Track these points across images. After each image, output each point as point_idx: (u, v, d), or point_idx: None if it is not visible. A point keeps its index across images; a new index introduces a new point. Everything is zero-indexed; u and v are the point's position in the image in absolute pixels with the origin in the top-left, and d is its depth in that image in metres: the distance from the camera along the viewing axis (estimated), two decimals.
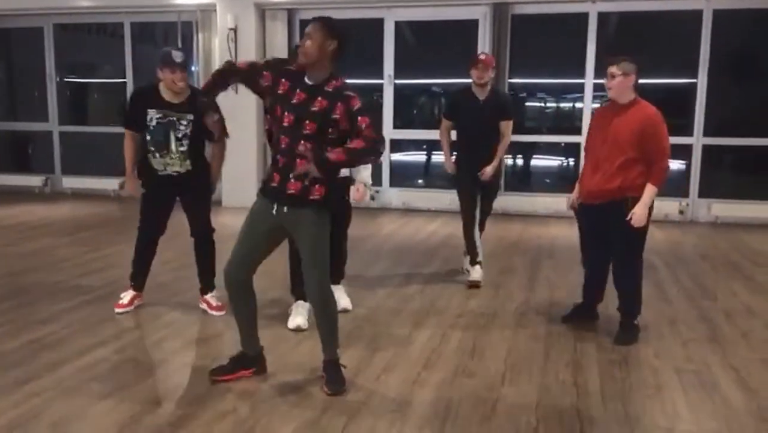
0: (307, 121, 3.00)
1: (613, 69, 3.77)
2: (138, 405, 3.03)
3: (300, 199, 3.05)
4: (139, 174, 4.22)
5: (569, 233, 6.30)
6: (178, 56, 3.95)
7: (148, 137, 4.04)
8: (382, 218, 8.11)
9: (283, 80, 3.09)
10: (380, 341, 3.91)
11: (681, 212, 8.06)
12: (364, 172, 4.26)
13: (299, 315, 4.10)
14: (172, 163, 4.08)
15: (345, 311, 4.31)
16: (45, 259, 5.83)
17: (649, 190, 3.75)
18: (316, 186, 3.05)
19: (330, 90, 3.03)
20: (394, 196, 8.92)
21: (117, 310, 4.31)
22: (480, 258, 5.07)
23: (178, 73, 3.93)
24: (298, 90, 3.05)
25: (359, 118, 2.99)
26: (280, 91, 3.09)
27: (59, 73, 10.08)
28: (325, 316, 3.21)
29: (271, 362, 3.49)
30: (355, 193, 4.26)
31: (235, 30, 8.57)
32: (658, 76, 8.32)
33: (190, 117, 4.00)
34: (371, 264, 5.69)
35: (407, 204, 8.72)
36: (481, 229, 5.21)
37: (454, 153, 5.24)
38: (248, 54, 8.58)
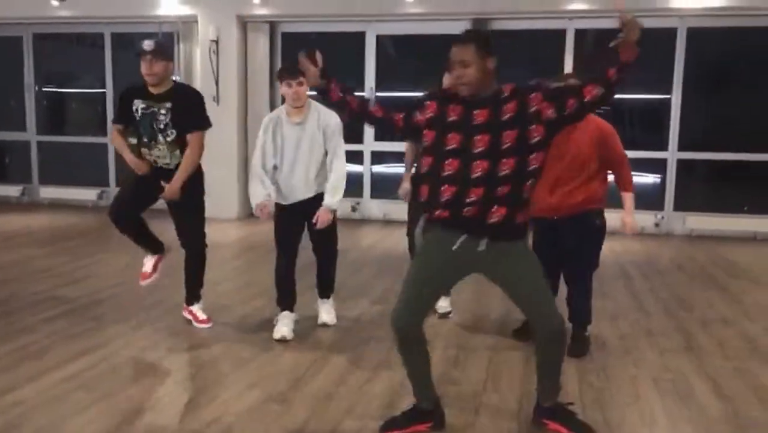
0: (506, 132, 2.61)
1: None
2: (120, 416, 3.02)
3: (505, 228, 2.67)
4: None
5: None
6: (148, 44, 3.89)
7: (139, 129, 4.00)
8: (363, 230, 8.15)
9: (452, 106, 2.70)
10: (364, 350, 3.94)
11: (656, 225, 8.21)
12: (332, 198, 4.07)
13: (285, 326, 4.11)
14: (161, 155, 4.02)
15: (325, 325, 4.33)
16: (23, 269, 5.78)
17: (628, 197, 3.89)
18: (521, 210, 2.69)
19: (508, 95, 2.67)
20: (374, 207, 8.97)
21: (142, 282, 4.31)
22: None
23: (148, 60, 3.87)
24: (476, 111, 2.65)
25: (564, 87, 2.68)
26: (452, 118, 2.68)
27: (38, 83, 10.01)
28: (561, 353, 2.85)
29: (253, 371, 3.50)
30: (321, 217, 4.04)
31: (216, 42, 8.59)
32: (633, 92, 8.51)
33: (168, 105, 3.94)
34: (353, 275, 5.72)
35: (388, 216, 8.77)
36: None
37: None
38: (230, 66, 8.62)
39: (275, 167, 4.09)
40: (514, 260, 2.75)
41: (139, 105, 3.98)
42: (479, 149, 2.62)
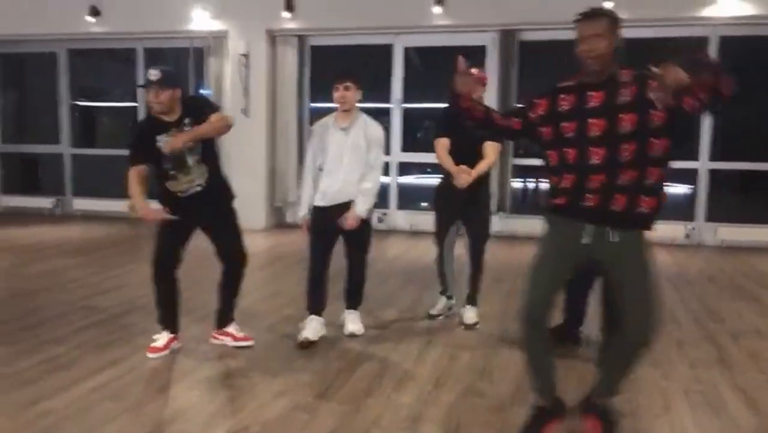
0: (623, 115, 2.56)
1: None
2: (149, 425, 3.06)
3: (627, 217, 2.62)
4: (161, 203, 3.98)
5: None
6: (154, 74, 3.71)
7: (166, 164, 3.85)
8: (389, 240, 8.16)
9: (562, 96, 2.72)
10: (390, 360, 3.93)
11: (687, 236, 8.08)
12: (362, 206, 4.16)
13: (310, 329, 4.19)
14: (193, 176, 3.88)
15: (352, 335, 4.35)
16: (56, 279, 5.89)
17: None
18: (646, 198, 2.61)
19: (627, 79, 2.61)
20: (401, 218, 8.98)
21: (150, 355, 3.92)
22: (449, 292, 4.81)
23: (152, 91, 3.73)
24: (591, 93, 2.64)
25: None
26: (564, 108, 2.70)
27: (71, 97, 10.23)
28: (639, 359, 2.81)
29: (280, 380, 3.52)
30: (349, 219, 4.13)
31: (246, 56, 8.72)
32: None
33: (187, 121, 3.82)
34: (380, 285, 5.72)
35: (414, 226, 8.77)
36: (474, 257, 4.62)
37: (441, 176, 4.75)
38: (259, 79, 8.73)
39: (320, 168, 4.26)
40: (635, 256, 2.68)
41: (164, 139, 3.80)
42: (595, 134, 2.60)
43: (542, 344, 2.84)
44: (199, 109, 3.91)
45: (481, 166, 4.46)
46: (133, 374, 3.69)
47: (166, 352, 3.98)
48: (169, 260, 3.99)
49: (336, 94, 4.16)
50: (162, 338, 4.03)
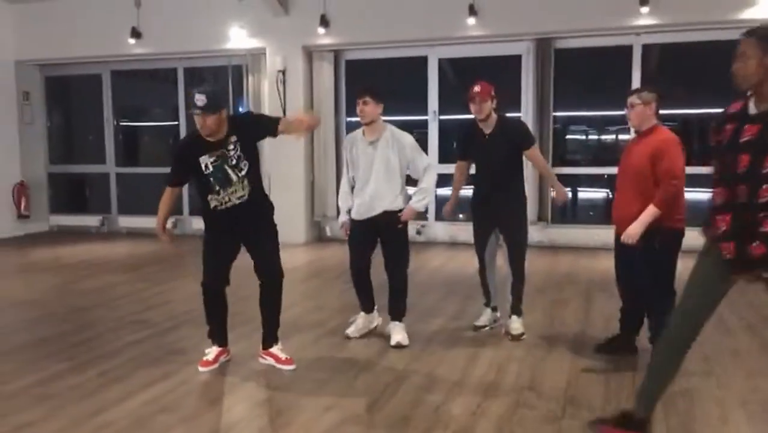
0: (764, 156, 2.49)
1: (632, 99, 3.90)
2: None
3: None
4: (204, 219, 4.06)
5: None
6: (200, 100, 3.69)
7: (210, 181, 3.88)
8: (429, 252, 8.15)
9: (728, 126, 2.65)
10: (437, 373, 3.93)
11: None
12: (418, 201, 4.41)
13: (353, 325, 4.64)
14: (235, 191, 3.90)
15: (399, 345, 4.36)
16: (106, 295, 6.03)
17: (649, 209, 3.76)
18: None
19: None
20: (440, 230, 8.97)
21: (201, 368, 3.99)
22: (488, 302, 4.80)
23: (200, 116, 3.72)
24: (746, 125, 2.57)
25: None
26: (725, 138, 2.64)
27: (115, 117, 10.50)
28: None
29: (328, 394, 3.55)
30: (406, 212, 4.41)
31: (283, 72, 8.84)
32: (704, 107, 8.27)
33: (233, 139, 3.85)
34: (422, 297, 5.72)
35: (454, 238, 8.75)
36: (513, 266, 4.58)
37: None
38: (296, 95, 8.84)
39: (353, 182, 4.52)
40: None
41: (207, 161, 3.83)
42: (738, 172, 2.55)
43: (677, 360, 2.87)
44: (249, 125, 3.98)
45: (550, 175, 4.98)
46: (185, 387, 3.76)
47: (216, 366, 4.05)
48: (217, 278, 4.07)
49: (357, 109, 4.37)
50: (212, 352, 4.10)
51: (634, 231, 3.78)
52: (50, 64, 10.35)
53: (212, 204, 3.94)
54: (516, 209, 4.62)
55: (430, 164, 4.54)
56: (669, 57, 8.33)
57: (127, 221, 10.29)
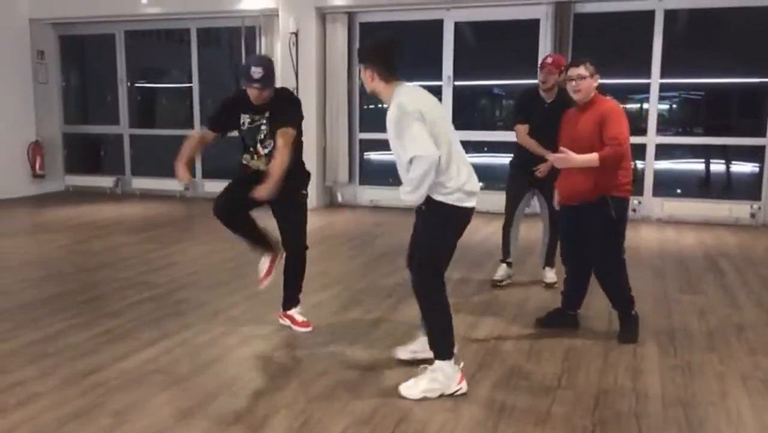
0: None
1: (579, 70, 3.82)
2: (197, 397, 3.12)
3: None
4: (239, 169, 4.06)
5: (634, 237, 6.13)
6: (257, 72, 3.71)
7: (244, 139, 3.96)
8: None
9: None
10: None
11: (753, 215, 7.73)
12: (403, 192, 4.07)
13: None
14: (260, 163, 3.94)
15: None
16: (115, 256, 6.07)
17: (592, 156, 3.67)
18: None
19: None
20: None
21: (264, 283, 4.10)
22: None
23: (255, 91, 3.77)
24: None
25: None
26: None
27: (129, 78, 10.47)
28: None
29: (326, 358, 3.53)
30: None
31: (296, 34, 8.71)
32: (728, 76, 8.03)
33: (267, 114, 3.86)
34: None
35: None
36: (553, 221, 4.79)
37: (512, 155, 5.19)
38: (309, 57, 8.73)
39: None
40: None
41: (245, 119, 3.91)
42: None
43: None
44: (281, 108, 3.88)
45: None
46: (182, 348, 3.77)
47: (272, 275, 4.10)
48: (219, 204, 3.95)
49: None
50: (263, 264, 4.12)
51: (565, 158, 3.73)
52: (64, 23, 10.29)
53: (244, 160, 4.03)
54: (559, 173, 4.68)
55: (409, 151, 3.37)
56: (693, 23, 8.08)
57: (140, 183, 10.33)
